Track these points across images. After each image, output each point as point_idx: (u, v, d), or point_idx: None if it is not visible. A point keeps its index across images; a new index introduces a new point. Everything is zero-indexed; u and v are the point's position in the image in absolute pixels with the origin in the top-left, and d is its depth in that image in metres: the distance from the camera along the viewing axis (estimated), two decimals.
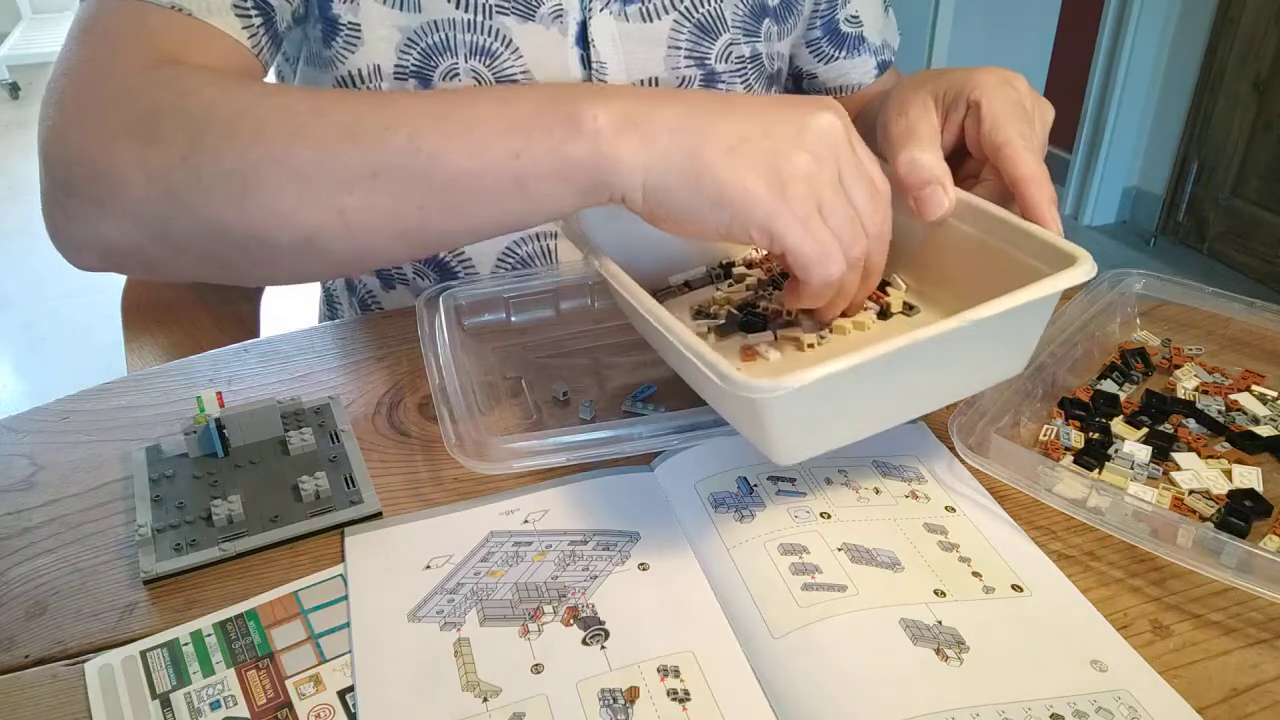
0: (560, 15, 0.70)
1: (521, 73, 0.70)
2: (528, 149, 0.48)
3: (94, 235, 0.52)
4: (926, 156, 0.54)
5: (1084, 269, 0.47)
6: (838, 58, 0.85)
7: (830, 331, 0.56)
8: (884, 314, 0.57)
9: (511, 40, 0.69)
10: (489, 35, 0.69)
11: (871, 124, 0.66)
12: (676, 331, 0.46)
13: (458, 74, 0.69)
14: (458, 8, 0.68)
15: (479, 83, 0.69)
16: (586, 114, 0.47)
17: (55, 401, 0.62)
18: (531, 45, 0.70)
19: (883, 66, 0.88)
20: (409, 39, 0.68)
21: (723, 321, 0.58)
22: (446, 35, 0.68)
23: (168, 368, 0.67)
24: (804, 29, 0.84)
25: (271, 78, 0.77)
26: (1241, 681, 0.42)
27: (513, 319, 0.68)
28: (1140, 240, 2.78)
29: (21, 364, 2.34)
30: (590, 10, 0.70)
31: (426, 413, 0.60)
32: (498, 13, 0.68)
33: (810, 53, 0.85)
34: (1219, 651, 0.44)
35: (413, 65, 0.69)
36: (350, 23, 0.68)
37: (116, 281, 0.87)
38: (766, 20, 0.78)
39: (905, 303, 0.58)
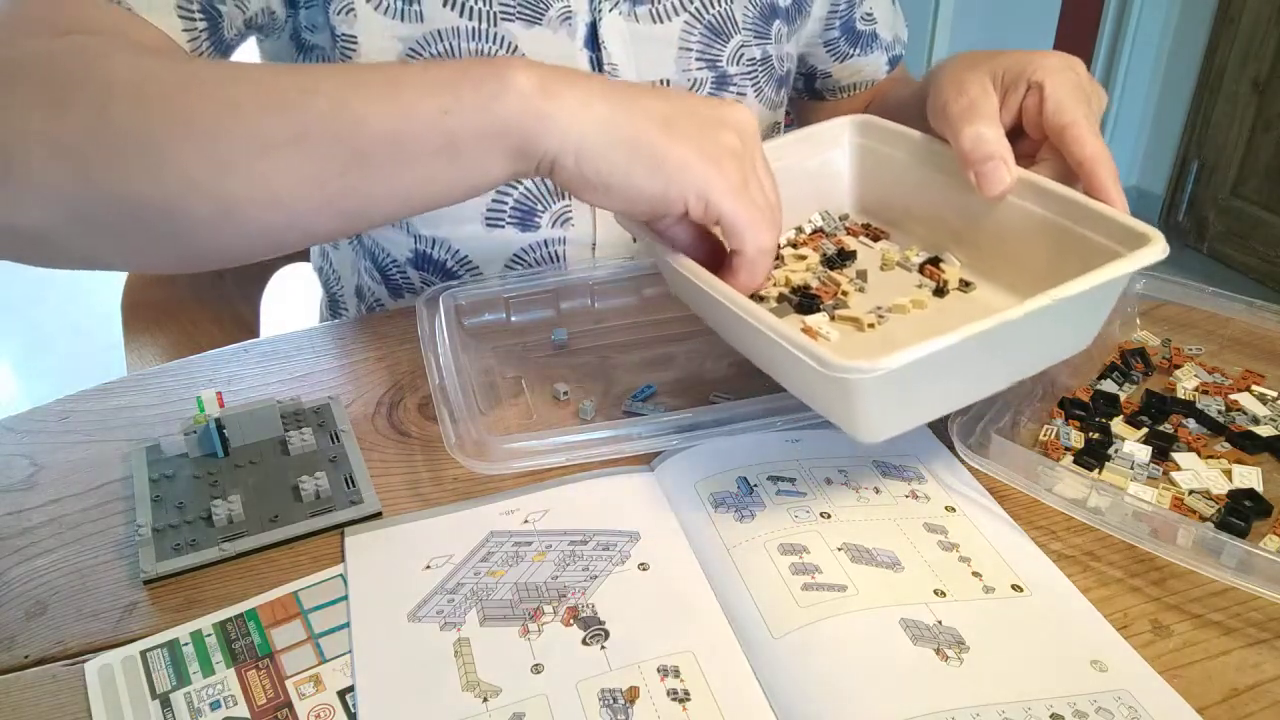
0: (569, 17, 0.69)
1: None
2: (457, 106, 0.47)
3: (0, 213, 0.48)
4: (990, 132, 0.55)
5: (1158, 248, 0.49)
6: (853, 55, 0.86)
7: (889, 311, 0.57)
8: (940, 291, 0.58)
9: (517, 47, 0.69)
10: (493, 43, 0.68)
11: (887, 112, 0.67)
12: (760, 316, 0.47)
13: None
14: (461, 15, 0.67)
15: None
16: (515, 76, 0.47)
17: (55, 401, 0.62)
18: (538, 50, 0.69)
19: (894, 62, 0.88)
20: (410, 50, 0.67)
21: (775, 304, 0.58)
22: (450, 45, 0.68)
23: (168, 368, 0.67)
24: (820, 29, 0.84)
25: None
26: (1241, 681, 0.42)
27: (513, 319, 0.68)
28: None
29: (21, 364, 2.34)
30: (600, 11, 0.70)
31: (426, 413, 0.60)
32: (503, 19, 0.68)
33: (827, 52, 0.86)
34: (1219, 651, 0.44)
35: None
36: (345, 34, 0.67)
37: (116, 281, 0.87)
38: (777, 22, 0.78)
39: (961, 279, 0.59)
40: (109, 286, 0.79)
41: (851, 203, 0.68)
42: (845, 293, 0.58)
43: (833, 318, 0.56)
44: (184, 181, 0.46)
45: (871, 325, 0.56)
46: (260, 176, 0.47)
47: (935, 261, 0.61)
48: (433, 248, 0.75)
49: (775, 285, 0.60)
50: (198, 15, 0.58)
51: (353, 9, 0.66)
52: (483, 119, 0.47)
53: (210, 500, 0.52)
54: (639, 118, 0.48)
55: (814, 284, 0.60)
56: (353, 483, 0.54)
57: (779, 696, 0.41)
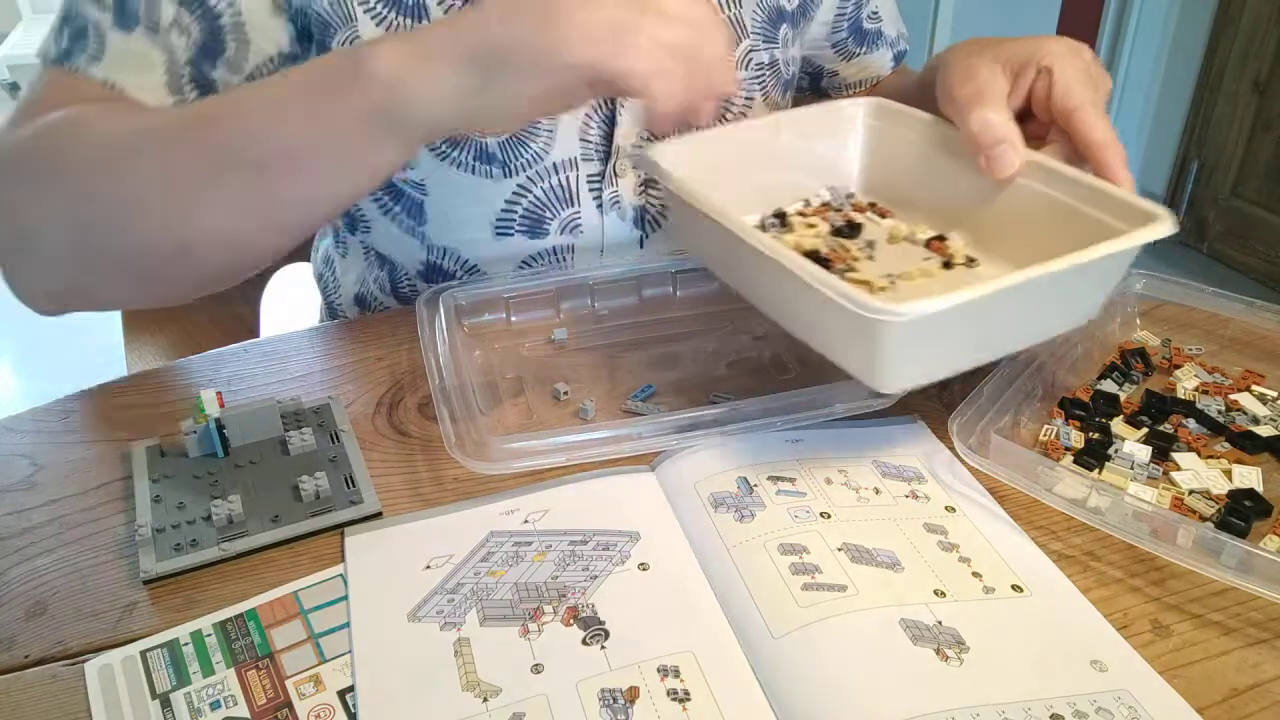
0: None
1: None
2: (328, 110, 0.51)
3: (36, 283, 0.60)
4: (998, 116, 0.57)
5: (1165, 224, 0.50)
6: (859, 54, 0.87)
7: (899, 278, 0.58)
8: (948, 264, 0.60)
9: None
10: None
11: (899, 96, 0.68)
12: (785, 254, 0.48)
13: None
14: None
15: None
16: (374, 64, 0.49)
17: (55, 401, 0.62)
18: None
19: (899, 58, 0.89)
20: None
21: None
22: None
23: (168, 368, 0.67)
24: (827, 33, 0.84)
25: None
26: (1241, 681, 0.42)
27: (513, 319, 0.68)
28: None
29: (21, 364, 2.34)
30: None
31: (426, 413, 0.60)
32: None
33: (835, 52, 0.86)
34: (1219, 651, 0.44)
35: None
36: None
37: None
38: (784, 25, 0.77)
39: (966, 255, 0.60)
40: None
41: (858, 181, 0.69)
42: (855, 258, 0.60)
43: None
44: (153, 230, 0.55)
45: (883, 288, 0.57)
46: (200, 214, 0.54)
47: (940, 238, 0.62)
48: (443, 258, 0.76)
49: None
50: (188, 87, 0.64)
51: (358, 36, 0.66)
52: (351, 117, 0.51)
53: (210, 500, 0.52)
54: (484, 35, 0.48)
55: (824, 250, 0.61)
56: (353, 483, 0.54)
57: (779, 696, 0.41)
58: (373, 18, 0.65)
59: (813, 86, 0.91)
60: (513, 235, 0.74)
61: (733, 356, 0.65)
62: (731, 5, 0.73)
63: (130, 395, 0.63)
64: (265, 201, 0.54)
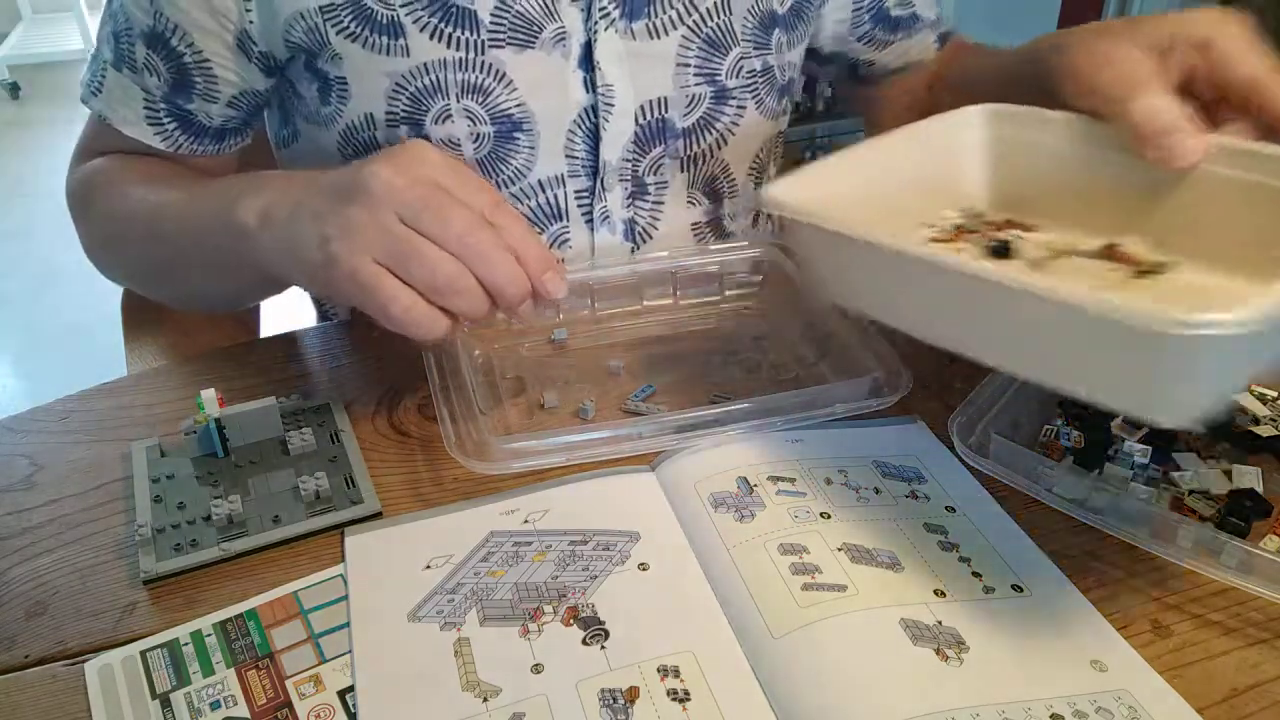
0: (563, 39, 0.68)
1: (516, 106, 0.68)
2: (215, 248, 0.61)
3: (109, 278, 0.78)
4: (1163, 101, 0.50)
5: None
6: (894, 41, 0.84)
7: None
8: (1145, 272, 0.51)
9: (506, 74, 0.67)
10: (482, 71, 0.67)
11: (967, 84, 0.65)
12: (1032, 282, 0.40)
13: (450, 115, 0.68)
14: (449, 46, 0.66)
15: (471, 122, 0.68)
16: (242, 217, 0.56)
17: (55, 401, 0.62)
18: (529, 75, 0.68)
19: (943, 39, 0.86)
20: (397, 84, 0.67)
21: None
22: (438, 76, 0.67)
23: (168, 368, 0.67)
24: (847, 29, 0.82)
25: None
26: (1241, 681, 0.42)
27: (513, 319, 0.68)
28: None
29: (21, 364, 2.34)
30: (595, 30, 0.68)
31: (426, 413, 0.60)
32: (491, 46, 0.67)
33: (865, 44, 0.83)
34: (1219, 651, 0.44)
35: (402, 111, 0.68)
36: (337, 77, 0.67)
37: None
38: (776, 30, 0.76)
39: (1153, 260, 0.52)
40: (109, 287, 0.79)
41: (986, 197, 0.60)
42: None
43: None
44: (134, 282, 0.80)
45: None
46: (163, 286, 0.75)
47: (1111, 246, 0.54)
48: None
49: None
50: (167, 120, 0.70)
51: (339, 54, 0.66)
52: (228, 259, 0.60)
53: (210, 500, 0.52)
54: (299, 234, 0.52)
55: None
56: (353, 483, 0.54)
57: (779, 696, 0.41)
58: (347, 37, 0.66)
59: (851, 76, 0.88)
60: None
61: (733, 356, 0.65)
62: (721, 12, 0.72)
63: (130, 395, 0.63)
64: (214, 287, 0.70)
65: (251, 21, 0.66)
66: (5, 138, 3.54)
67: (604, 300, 0.69)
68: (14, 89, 3.78)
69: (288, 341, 0.68)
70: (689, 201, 0.78)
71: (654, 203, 0.77)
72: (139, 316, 0.86)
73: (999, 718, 0.40)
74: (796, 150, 2.26)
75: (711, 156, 0.77)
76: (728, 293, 0.71)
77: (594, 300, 0.69)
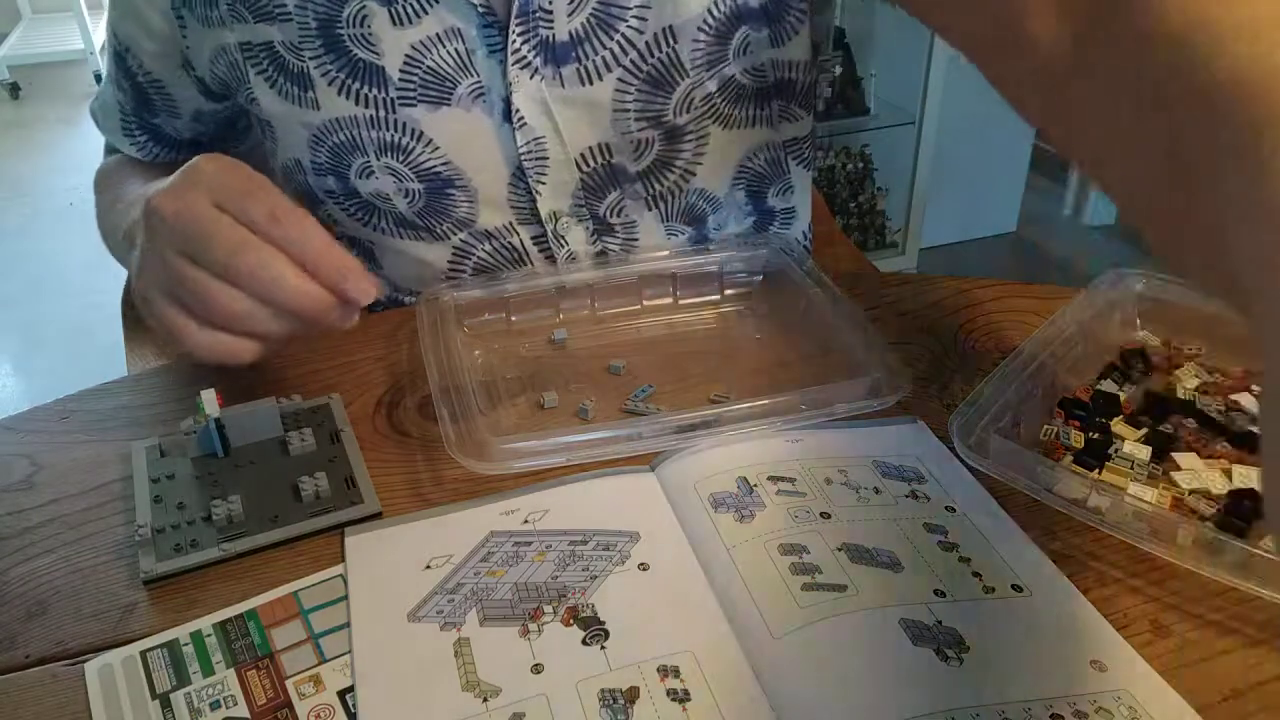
0: (482, 93, 0.64)
1: (442, 164, 0.66)
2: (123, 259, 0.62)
3: None
4: None
5: None
6: None
7: None
8: None
9: (422, 133, 0.64)
10: (395, 130, 0.64)
11: None
12: None
13: (372, 172, 0.66)
14: (357, 103, 0.63)
15: (397, 180, 0.66)
16: (133, 230, 0.56)
17: (55, 401, 0.62)
18: (450, 132, 0.65)
19: None
20: (314, 136, 0.65)
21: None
22: (351, 133, 0.65)
23: (168, 368, 0.67)
24: None
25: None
26: (1241, 681, 0.42)
27: (513, 319, 0.68)
28: (1140, 240, 2.77)
29: (21, 364, 2.34)
30: (514, 83, 0.63)
31: (426, 413, 0.60)
32: (402, 105, 0.63)
33: None
34: (1219, 651, 0.44)
35: (326, 162, 0.67)
36: (260, 118, 0.68)
37: (116, 281, 0.86)
38: (742, 29, 0.66)
39: None
40: (109, 286, 0.80)
41: None
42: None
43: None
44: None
45: None
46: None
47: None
48: (409, 295, 0.76)
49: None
50: (138, 132, 0.75)
51: (255, 99, 0.66)
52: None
53: (210, 500, 0.52)
54: (126, 265, 0.59)
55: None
56: (353, 483, 0.54)
57: (779, 696, 0.41)
58: (266, 80, 0.65)
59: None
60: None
61: (733, 356, 0.65)
62: (664, 44, 0.64)
63: (130, 395, 0.63)
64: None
65: (188, 46, 0.66)
66: (5, 138, 3.54)
67: (604, 300, 0.69)
68: (14, 89, 3.78)
69: (287, 341, 0.68)
70: (669, 234, 0.75)
71: (625, 239, 0.74)
72: (139, 316, 0.86)
73: (999, 718, 0.40)
74: None
75: (680, 191, 0.72)
76: (728, 292, 0.71)
77: (594, 300, 0.69)
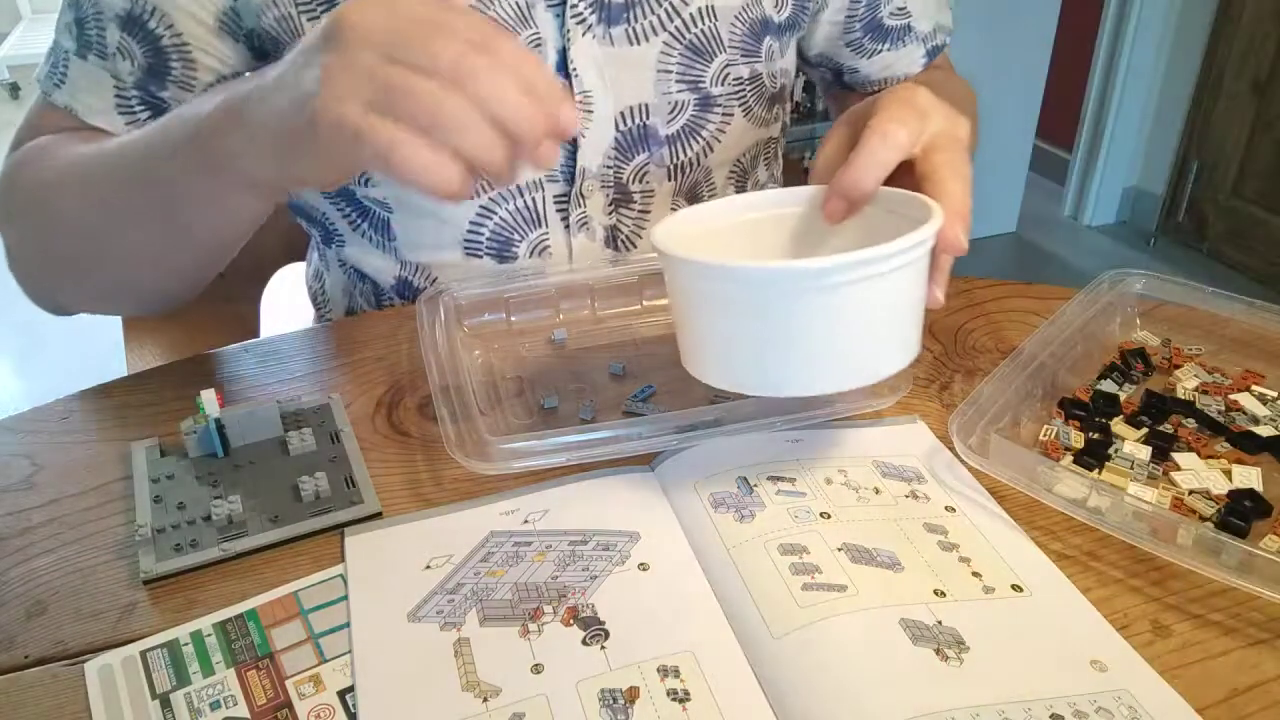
0: (539, 44, 0.67)
1: None
2: (192, 158, 0.53)
3: (30, 290, 0.68)
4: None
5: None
6: (881, 51, 0.83)
7: None
8: None
9: None
10: None
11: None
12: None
13: None
14: None
15: None
16: (204, 117, 0.52)
17: (55, 401, 0.62)
18: None
19: (932, 53, 0.84)
20: None
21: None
22: None
23: (168, 368, 0.67)
24: (839, 32, 0.81)
25: None
26: (1241, 681, 0.42)
27: (513, 319, 0.68)
28: (1140, 240, 2.78)
29: (21, 364, 2.34)
30: (570, 37, 0.67)
31: (426, 413, 0.60)
32: None
33: (851, 50, 0.83)
34: (1219, 651, 0.44)
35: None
36: None
37: None
38: (768, 39, 0.74)
39: None
40: None
41: None
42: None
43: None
44: (86, 254, 0.63)
45: None
46: (121, 244, 0.61)
47: None
48: (415, 274, 0.76)
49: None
50: (139, 108, 0.67)
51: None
52: (205, 166, 0.53)
53: (210, 500, 0.52)
54: (274, 104, 0.47)
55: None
56: (353, 483, 0.54)
57: (779, 696, 0.41)
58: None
59: (837, 81, 0.87)
60: (481, 257, 0.74)
61: None
62: (706, 19, 0.70)
63: (130, 395, 0.63)
64: (159, 240, 0.60)
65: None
66: (5, 138, 3.54)
67: (604, 300, 0.69)
68: (14, 89, 3.78)
69: (288, 341, 0.68)
70: (672, 208, 0.78)
71: (639, 211, 0.76)
72: (139, 316, 0.86)
73: (999, 718, 0.40)
74: (795, 150, 2.26)
75: (697, 164, 0.76)
76: None
77: (594, 300, 0.69)
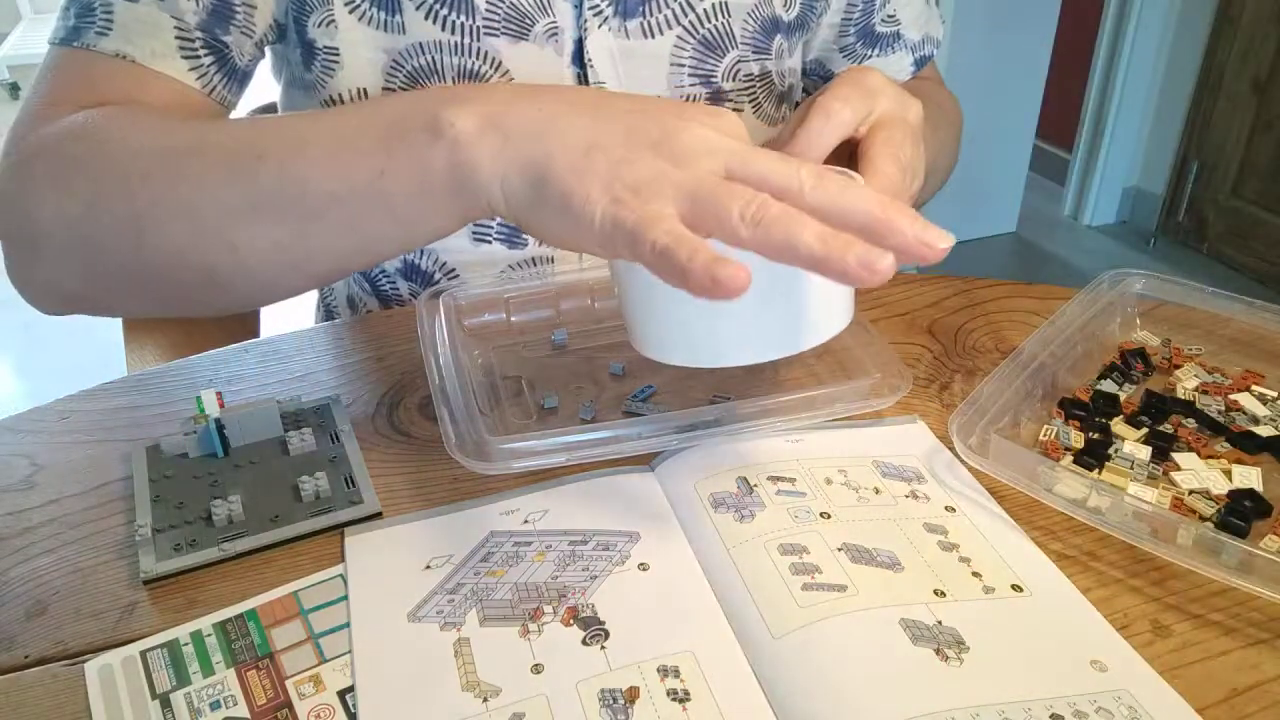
0: (556, 34, 0.68)
1: None
2: (391, 166, 0.47)
3: (41, 281, 0.57)
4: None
5: None
6: (870, 57, 0.83)
7: None
8: None
9: (501, 63, 0.67)
10: (477, 58, 0.67)
11: None
12: None
13: None
14: (444, 29, 0.66)
15: None
16: (445, 120, 0.46)
17: (55, 401, 0.62)
18: (524, 67, 0.68)
19: (920, 63, 0.85)
20: (395, 61, 0.66)
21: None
22: (433, 57, 0.66)
23: (168, 368, 0.67)
24: (834, 36, 0.81)
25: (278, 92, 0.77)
26: (1241, 681, 0.42)
27: (513, 319, 0.68)
28: (1140, 240, 2.78)
29: (21, 364, 2.34)
30: (587, 28, 0.68)
31: (426, 413, 0.60)
32: (486, 34, 0.66)
33: (843, 55, 0.83)
34: (1219, 651, 0.44)
35: (400, 87, 0.67)
36: (327, 46, 0.67)
37: None
38: (778, 37, 0.75)
39: None
40: None
41: None
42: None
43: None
44: (164, 253, 0.52)
45: None
46: (231, 245, 0.51)
47: None
48: (421, 258, 0.76)
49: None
50: (202, 52, 0.61)
51: (334, 20, 0.66)
52: (415, 178, 0.47)
53: (210, 500, 0.52)
54: (556, 151, 0.44)
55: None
56: (353, 483, 0.54)
57: (779, 696, 0.41)
58: (346, 4, 0.65)
59: None
60: (490, 243, 0.74)
61: None
62: (720, 15, 0.71)
63: (130, 395, 0.63)
64: (304, 250, 0.51)
65: None
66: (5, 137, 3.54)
67: (604, 300, 0.69)
68: (14, 89, 3.78)
69: (288, 341, 0.68)
70: None
71: None
72: (141, 317, 0.86)
73: (999, 718, 0.40)
74: None
75: None
76: None
77: (594, 300, 0.69)
